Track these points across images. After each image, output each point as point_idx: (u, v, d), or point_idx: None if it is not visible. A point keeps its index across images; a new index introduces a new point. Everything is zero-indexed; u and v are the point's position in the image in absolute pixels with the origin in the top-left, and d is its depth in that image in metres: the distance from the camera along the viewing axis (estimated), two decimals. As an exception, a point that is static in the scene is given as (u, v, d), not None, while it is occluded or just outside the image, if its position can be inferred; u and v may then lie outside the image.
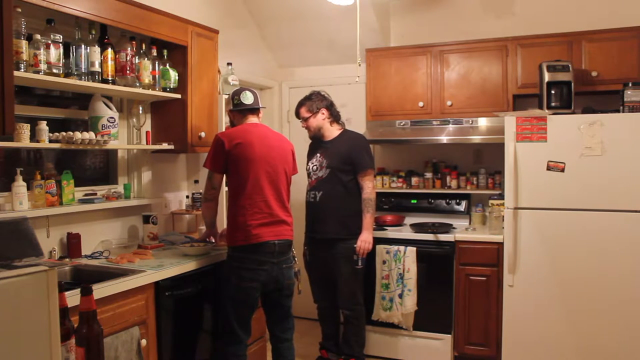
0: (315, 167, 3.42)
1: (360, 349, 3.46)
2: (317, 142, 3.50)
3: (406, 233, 3.75)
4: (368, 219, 3.32)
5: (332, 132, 3.43)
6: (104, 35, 2.68)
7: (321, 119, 3.39)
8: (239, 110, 2.87)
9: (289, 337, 2.91)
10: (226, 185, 2.87)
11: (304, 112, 3.41)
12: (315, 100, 3.39)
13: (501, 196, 3.60)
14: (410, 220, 4.06)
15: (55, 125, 2.69)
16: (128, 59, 2.75)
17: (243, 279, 2.66)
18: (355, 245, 3.29)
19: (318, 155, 3.42)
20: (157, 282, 2.48)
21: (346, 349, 3.46)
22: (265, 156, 2.73)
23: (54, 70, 2.39)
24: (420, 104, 3.99)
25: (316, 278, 3.53)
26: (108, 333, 2.12)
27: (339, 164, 3.31)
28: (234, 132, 2.80)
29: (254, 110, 2.88)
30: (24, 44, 2.23)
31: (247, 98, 2.85)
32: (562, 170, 3.23)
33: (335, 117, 3.44)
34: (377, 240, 3.56)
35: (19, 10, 2.20)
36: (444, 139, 3.85)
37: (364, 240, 3.29)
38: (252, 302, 2.73)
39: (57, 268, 1.35)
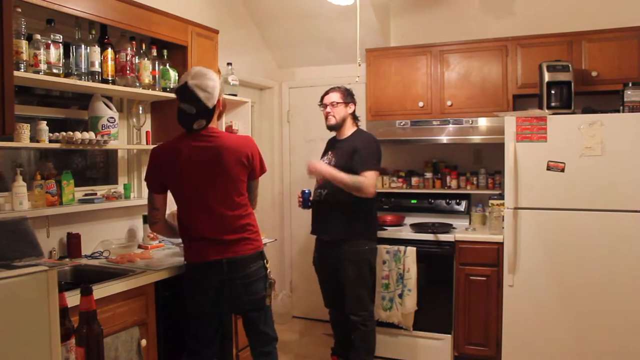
0: None
1: (368, 356, 3.31)
2: (333, 140, 3.42)
3: (406, 233, 3.75)
4: (342, 174, 3.09)
5: (349, 130, 3.32)
6: (104, 35, 2.68)
7: (349, 112, 3.30)
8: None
9: (268, 350, 2.62)
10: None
11: (337, 97, 3.27)
12: (350, 93, 3.33)
13: (501, 196, 3.60)
14: (410, 220, 4.06)
15: (55, 125, 2.69)
16: (128, 59, 2.75)
17: (190, 295, 2.47)
18: (363, 248, 3.20)
19: (329, 153, 3.33)
20: (157, 282, 2.48)
21: (353, 355, 3.33)
22: (203, 176, 2.35)
23: (54, 70, 2.39)
24: (420, 104, 3.99)
25: (323, 280, 3.44)
26: (108, 333, 2.12)
27: (345, 163, 3.19)
28: (166, 145, 2.45)
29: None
30: (24, 44, 2.23)
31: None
32: (562, 170, 3.23)
33: (355, 117, 3.37)
34: (377, 240, 3.53)
35: (19, 10, 2.20)
36: (444, 139, 3.85)
37: (316, 165, 3.18)
38: (205, 320, 2.49)
39: (57, 268, 1.35)
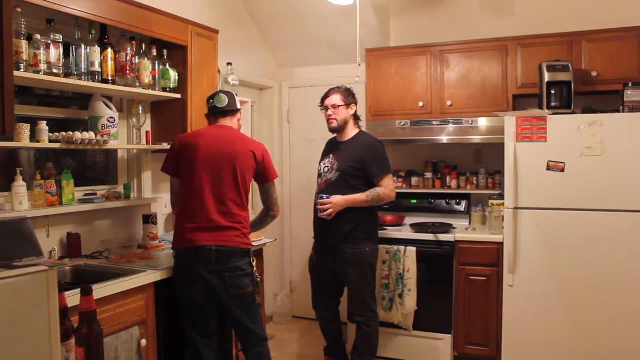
0: (326, 169, 3.26)
1: (370, 356, 3.28)
2: (333, 142, 3.36)
3: (406, 233, 3.74)
4: (358, 197, 3.11)
5: (351, 131, 3.27)
6: (104, 35, 2.68)
7: (350, 114, 3.25)
8: (212, 114, 2.78)
9: (259, 350, 2.67)
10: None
11: (338, 100, 3.21)
12: (350, 93, 3.27)
13: (501, 196, 3.60)
14: (410, 220, 4.06)
15: (55, 125, 2.69)
16: (128, 59, 2.75)
17: (181, 286, 2.54)
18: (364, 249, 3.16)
19: (331, 156, 3.27)
20: (157, 282, 2.48)
21: (356, 356, 3.31)
22: (211, 158, 2.57)
23: (54, 70, 2.39)
24: (420, 104, 3.99)
25: (317, 284, 3.40)
26: (108, 333, 2.13)
27: (350, 168, 3.15)
28: (189, 134, 2.74)
29: (226, 112, 2.75)
30: (24, 44, 2.23)
31: (221, 101, 2.75)
32: (562, 170, 3.23)
33: (357, 117, 3.33)
34: (378, 241, 3.53)
35: (19, 10, 2.20)
36: (444, 139, 3.85)
37: (332, 201, 3.10)
38: (200, 310, 2.55)
39: (57, 268, 1.35)
